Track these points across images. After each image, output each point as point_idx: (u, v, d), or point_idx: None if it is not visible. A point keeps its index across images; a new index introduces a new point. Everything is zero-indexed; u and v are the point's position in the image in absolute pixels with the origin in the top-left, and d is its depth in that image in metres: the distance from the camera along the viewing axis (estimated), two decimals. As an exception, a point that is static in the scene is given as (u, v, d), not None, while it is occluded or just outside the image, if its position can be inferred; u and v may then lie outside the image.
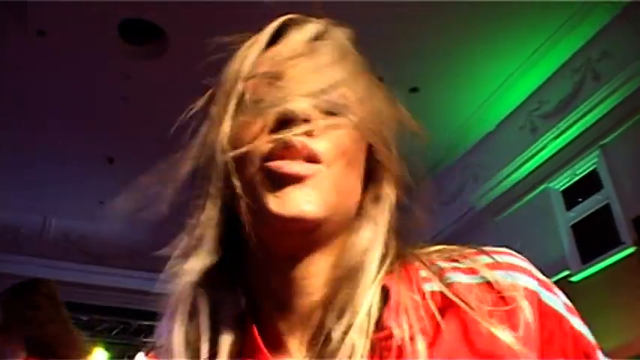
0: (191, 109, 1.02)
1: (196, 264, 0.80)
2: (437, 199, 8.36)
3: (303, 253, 0.78)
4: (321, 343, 0.74)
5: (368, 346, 0.72)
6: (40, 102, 6.88)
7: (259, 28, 0.95)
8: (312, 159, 0.75)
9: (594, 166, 6.23)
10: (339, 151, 0.78)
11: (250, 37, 0.95)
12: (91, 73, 6.48)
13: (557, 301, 0.87)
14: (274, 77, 0.82)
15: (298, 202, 0.73)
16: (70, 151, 7.84)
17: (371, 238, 0.80)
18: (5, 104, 6.88)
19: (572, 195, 6.56)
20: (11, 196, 8.73)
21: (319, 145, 0.76)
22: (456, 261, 0.82)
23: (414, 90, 6.87)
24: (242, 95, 0.83)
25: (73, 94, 6.79)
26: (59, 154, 7.89)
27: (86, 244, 9.57)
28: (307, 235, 0.77)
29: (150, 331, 9.78)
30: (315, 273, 0.79)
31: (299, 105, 0.76)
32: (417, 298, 0.75)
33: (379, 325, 0.73)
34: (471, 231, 7.87)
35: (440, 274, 0.79)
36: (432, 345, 0.71)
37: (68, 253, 9.40)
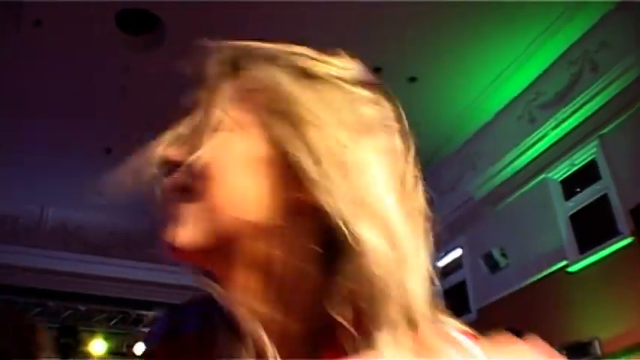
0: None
1: None
2: (435, 188, 8.37)
3: None
4: None
5: None
6: (38, 93, 6.86)
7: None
8: None
9: (592, 157, 6.23)
10: None
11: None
12: (89, 63, 6.46)
13: None
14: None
15: None
16: (68, 142, 7.83)
17: None
18: (2, 95, 6.86)
19: (571, 185, 6.56)
20: (9, 186, 8.71)
21: None
22: None
23: (413, 79, 6.86)
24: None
25: (71, 85, 6.78)
26: (56, 145, 7.87)
27: (84, 234, 9.57)
28: None
29: (148, 320, 9.81)
30: None
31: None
32: None
33: None
34: (470, 221, 7.88)
35: None
36: None
37: (66, 244, 9.40)
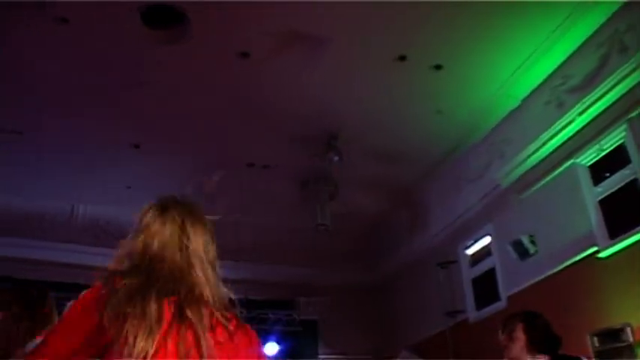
0: None
1: None
2: (463, 177, 8.33)
3: None
4: None
5: None
6: (65, 90, 6.93)
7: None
8: None
9: (621, 141, 6.15)
10: None
11: None
12: (115, 60, 6.51)
13: None
14: None
15: None
16: (96, 138, 7.91)
17: None
18: (31, 94, 6.94)
19: (600, 170, 6.49)
20: (39, 184, 8.84)
21: None
22: None
23: (438, 67, 6.83)
24: None
25: (98, 82, 6.84)
26: (85, 141, 7.96)
27: (115, 229, 9.66)
28: None
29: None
30: None
31: None
32: None
33: None
34: (499, 208, 7.84)
35: None
36: None
37: (97, 239, 9.51)
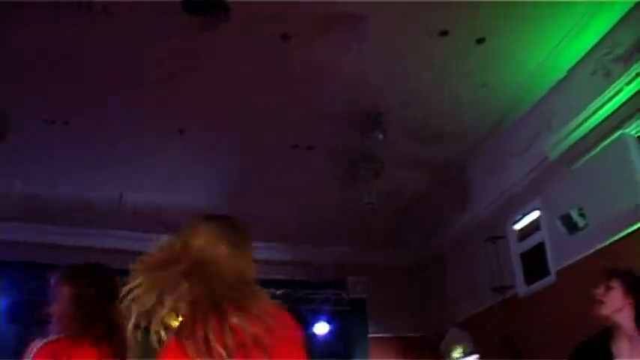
0: None
1: None
2: (509, 150, 8.23)
3: None
4: None
5: None
6: (109, 79, 7.03)
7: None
8: None
9: (672, 109, 6.01)
10: None
11: None
12: (157, 47, 6.58)
13: None
14: None
15: None
16: (141, 125, 8.01)
17: None
18: (77, 83, 7.06)
19: (650, 140, 6.35)
20: (87, 173, 9.00)
21: None
22: None
23: (481, 41, 6.74)
24: None
25: (141, 70, 6.92)
26: (130, 128, 8.07)
27: (163, 214, 9.80)
28: None
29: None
30: None
31: None
32: None
33: None
34: (547, 181, 7.74)
35: None
36: None
37: (147, 225, 9.66)
